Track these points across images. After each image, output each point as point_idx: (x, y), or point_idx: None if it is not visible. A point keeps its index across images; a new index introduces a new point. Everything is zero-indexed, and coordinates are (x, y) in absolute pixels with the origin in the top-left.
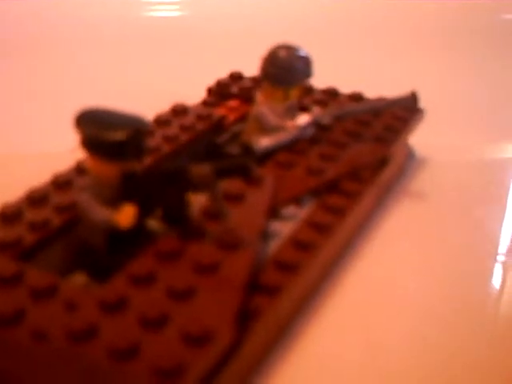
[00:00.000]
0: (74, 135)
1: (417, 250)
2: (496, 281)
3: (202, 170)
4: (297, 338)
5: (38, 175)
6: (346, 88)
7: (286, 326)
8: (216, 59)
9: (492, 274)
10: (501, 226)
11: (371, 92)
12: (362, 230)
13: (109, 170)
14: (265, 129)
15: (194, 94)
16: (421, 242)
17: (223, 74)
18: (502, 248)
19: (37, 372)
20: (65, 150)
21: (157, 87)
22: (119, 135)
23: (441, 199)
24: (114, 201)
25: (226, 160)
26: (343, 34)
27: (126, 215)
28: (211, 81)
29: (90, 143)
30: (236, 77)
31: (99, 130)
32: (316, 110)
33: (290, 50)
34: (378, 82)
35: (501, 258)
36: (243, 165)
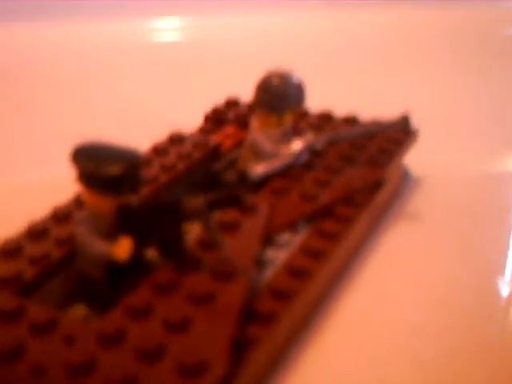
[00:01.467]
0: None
1: (415, 272)
2: (497, 301)
3: (194, 202)
4: (293, 365)
5: (39, 205)
6: (341, 108)
7: (283, 352)
8: (214, 84)
9: (492, 294)
10: (499, 242)
11: (366, 111)
12: (358, 253)
13: (105, 204)
14: (260, 155)
15: (193, 120)
16: (419, 263)
17: (222, 98)
18: (502, 267)
19: None
20: (66, 180)
21: (156, 113)
22: (114, 170)
23: (438, 219)
24: (111, 234)
25: (219, 191)
26: (337, 56)
27: (122, 248)
28: (210, 106)
29: (86, 178)
30: (232, 103)
31: (94, 165)
32: (310, 135)
33: (283, 76)
34: (372, 102)
35: (502, 277)
36: (235, 195)
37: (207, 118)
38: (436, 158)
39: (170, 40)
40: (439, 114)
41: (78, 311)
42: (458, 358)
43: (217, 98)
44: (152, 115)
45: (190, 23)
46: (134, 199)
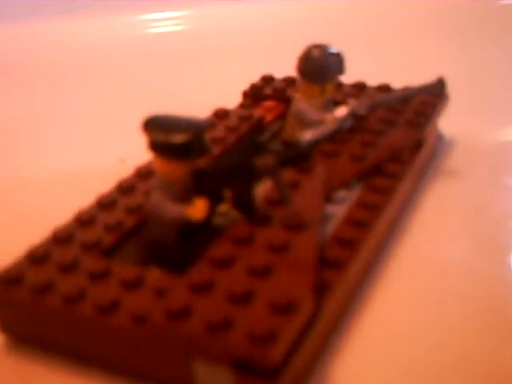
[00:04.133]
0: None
1: (458, 225)
2: None
3: (265, 160)
4: (360, 310)
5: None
6: (374, 80)
7: (351, 298)
8: (230, 70)
9: None
10: None
11: (397, 82)
12: (404, 208)
13: (176, 169)
14: (305, 124)
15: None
16: (460, 217)
17: (240, 81)
18: None
19: (136, 351)
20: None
21: (185, 98)
22: (184, 137)
23: (473, 175)
24: (184, 197)
25: (286, 150)
26: (361, 33)
27: (198, 208)
28: (230, 89)
29: (157, 147)
30: (268, 79)
31: (164, 134)
32: (352, 102)
33: (324, 48)
34: (402, 73)
35: None
36: (302, 152)
37: (246, 95)
38: (466, 122)
39: (176, 29)
40: (467, 82)
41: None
42: None
43: (238, 81)
44: (184, 101)
45: (194, 12)
46: (201, 163)
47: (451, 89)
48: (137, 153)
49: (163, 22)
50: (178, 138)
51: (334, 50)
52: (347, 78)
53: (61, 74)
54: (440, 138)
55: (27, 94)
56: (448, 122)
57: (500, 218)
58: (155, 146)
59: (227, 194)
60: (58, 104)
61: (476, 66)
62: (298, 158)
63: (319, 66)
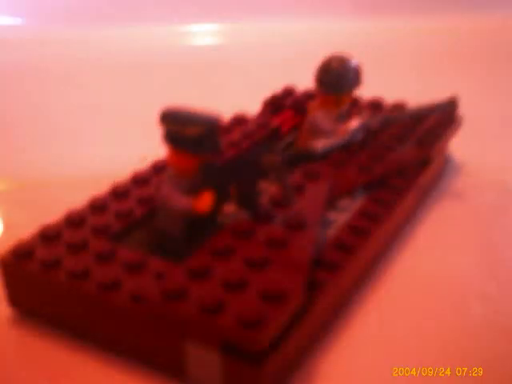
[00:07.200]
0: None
1: (457, 243)
2: None
3: (272, 157)
4: (353, 312)
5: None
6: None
7: (345, 299)
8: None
9: None
10: None
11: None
12: (408, 222)
13: (187, 162)
14: (318, 134)
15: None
16: (460, 236)
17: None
18: None
19: (133, 332)
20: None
21: (210, 104)
22: (197, 130)
23: (478, 199)
24: (193, 190)
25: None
26: (382, 54)
27: (204, 201)
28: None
29: (171, 138)
30: (288, 91)
31: (180, 126)
32: (365, 115)
33: (343, 59)
34: (419, 96)
35: None
36: (309, 153)
37: (266, 103)
38: (477, 146)
39: (208, 43)
40: (482, 108)
41: None
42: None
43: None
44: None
45: (228, 28)
46: (213, 159)
47: (466, 113)
48: (161, 153)
49: (197, 35)
50: (191, 131)
51: (353, 62)
52: (365, 94)
53: (99, 75)
54: (449, 159)
55: (65, 94)
56: (460, 146)
57: (500, 241)
58: (169, 137)
59: (233, 191)
60: (91, 104)
61: (492, 93)
62: (305, 160)
63: (337, 76)
